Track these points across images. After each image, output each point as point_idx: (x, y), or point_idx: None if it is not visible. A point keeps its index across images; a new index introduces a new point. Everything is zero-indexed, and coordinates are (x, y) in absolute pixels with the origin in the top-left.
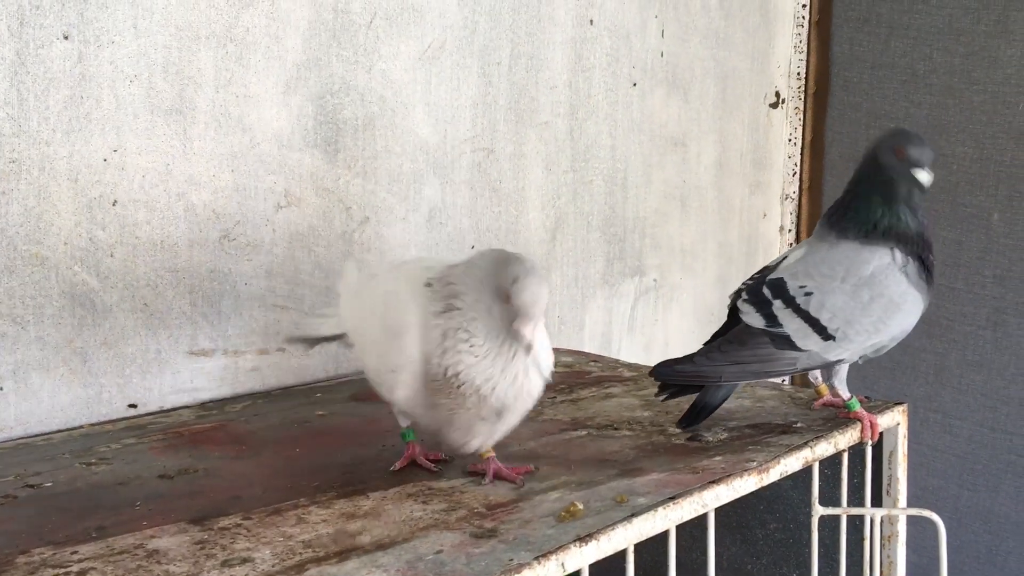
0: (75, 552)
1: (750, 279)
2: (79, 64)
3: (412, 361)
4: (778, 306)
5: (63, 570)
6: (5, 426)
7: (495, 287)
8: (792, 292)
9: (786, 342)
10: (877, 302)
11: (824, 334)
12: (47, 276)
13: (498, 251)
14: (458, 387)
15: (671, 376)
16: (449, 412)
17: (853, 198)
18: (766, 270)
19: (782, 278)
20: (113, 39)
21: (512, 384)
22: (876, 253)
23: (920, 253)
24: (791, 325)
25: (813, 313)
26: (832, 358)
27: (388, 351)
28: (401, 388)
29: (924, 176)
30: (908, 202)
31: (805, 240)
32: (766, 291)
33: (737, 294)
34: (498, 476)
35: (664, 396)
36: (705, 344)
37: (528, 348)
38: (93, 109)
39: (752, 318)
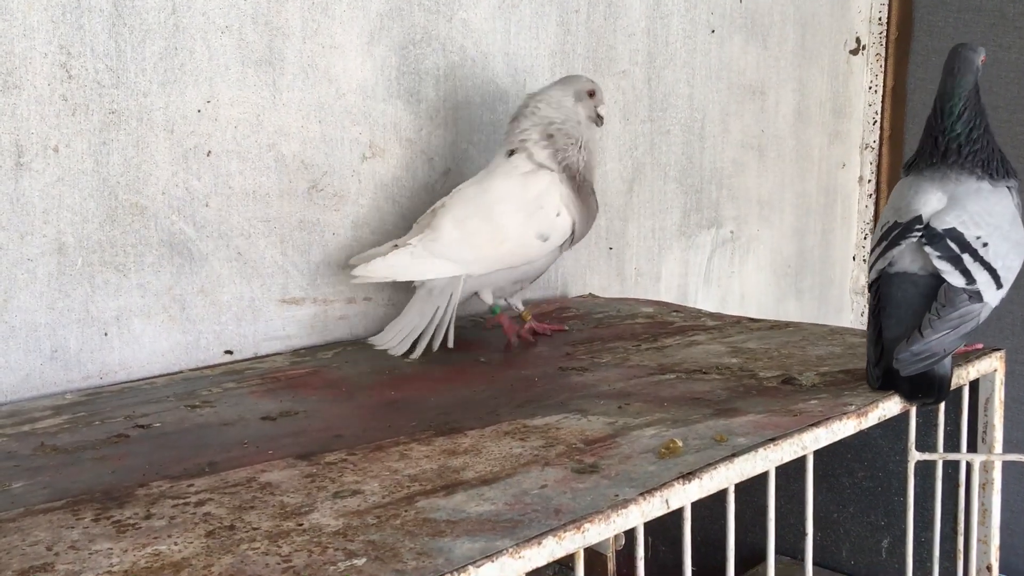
0: (191, 485)
1: (914, 232)
2: (173, 15)
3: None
4: (968, 260)
5: (182, 500)
6: (109, 370)
7: (575, 94)
8: (974, 244)
9: (978, 297)
10: (1022, 245)
11: (998, 283)
12: (146, 225)
13: (554, 83)
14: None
15: (913, 363)
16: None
17: (970, 128)
18: (909, 222)
19: (955, 228)
20: None
21: (593, 153)
22: (1006, 195)
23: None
24: (981, 278)
25: (992, 263)
26: (994, 304)
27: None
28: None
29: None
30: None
31: (930, 182)
32: (952, 245)
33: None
34: (534, 333)
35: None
36: (883, 314)
37: (602, 120)
38: (187, 60)
39: (954, 277)
